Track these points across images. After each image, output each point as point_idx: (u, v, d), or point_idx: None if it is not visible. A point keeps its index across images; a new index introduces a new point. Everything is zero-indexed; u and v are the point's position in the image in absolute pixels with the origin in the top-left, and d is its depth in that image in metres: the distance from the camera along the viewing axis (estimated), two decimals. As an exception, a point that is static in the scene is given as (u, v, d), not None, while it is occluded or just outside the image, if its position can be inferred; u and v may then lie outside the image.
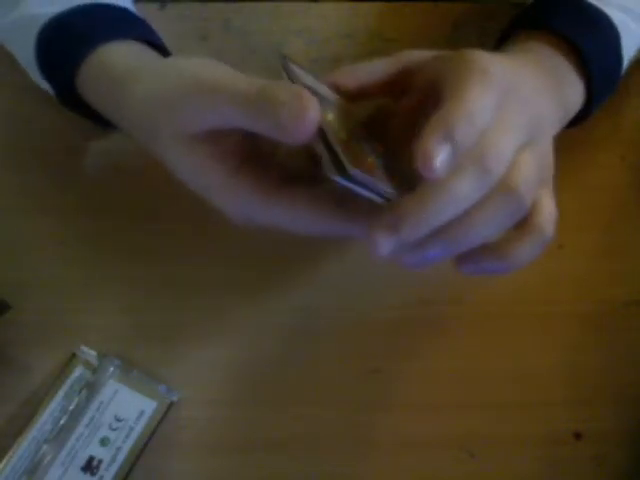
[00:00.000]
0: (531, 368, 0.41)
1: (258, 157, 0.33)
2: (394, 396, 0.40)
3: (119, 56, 0.37)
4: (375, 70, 0.35)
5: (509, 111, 0.30)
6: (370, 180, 0.28)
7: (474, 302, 0.42)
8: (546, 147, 0.33)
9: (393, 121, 0.35)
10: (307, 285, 0.42)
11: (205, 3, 0.48)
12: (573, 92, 0.39)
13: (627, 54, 0.41)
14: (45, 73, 0.39)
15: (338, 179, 0.28)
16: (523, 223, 0.31)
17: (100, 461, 0.37)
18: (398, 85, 0.35)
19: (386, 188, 0.29)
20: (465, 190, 0.28)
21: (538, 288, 0.42)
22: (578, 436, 0.40)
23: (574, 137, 0.43)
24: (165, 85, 0.32)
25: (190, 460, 0.39)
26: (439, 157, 0.27)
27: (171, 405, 0.39)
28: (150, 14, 0.46)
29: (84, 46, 0.37)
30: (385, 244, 0.28)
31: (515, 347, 0.41)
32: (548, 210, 0.32)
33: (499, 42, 0.43)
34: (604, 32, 0.40)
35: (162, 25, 0.45)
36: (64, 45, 0.38)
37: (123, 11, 0.40)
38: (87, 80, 0.38)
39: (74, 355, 0.39)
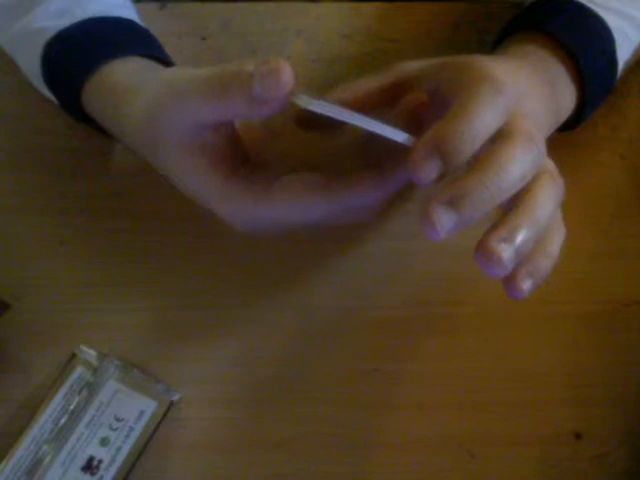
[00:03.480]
0: (531, 368, 0.41)
1: (248, 162, 0.34)
2: (394, 396, 0.40)
3: (121, 75, 0.37)
4: (369, 84, 0.36)
5: (526, 106, 0.31)
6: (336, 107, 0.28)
7: (474, 302, 0.42)
8: None
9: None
10: (307, 284, 0.42)
11: (205, 3, 0.48)
12: (565, 98, 0.39)
13: (622, 59, 0.41)
14: (51, 87, 0.40)
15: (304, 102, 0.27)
16: None
17: (100, 461, 0.37)
18: (395, 97, 0.35)
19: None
20: (526, 166, 0.28)
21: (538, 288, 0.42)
22: (578, 436, 0.40)
23: (574, 137, 0.43)
24: (150, 99, 0.33)
25: (190, 460, 0.39)
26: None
27: (171, 405, 0.39)
28: (150, 14, 0.46)
29: (88, 65, 0.37)
30: (447, 220, 0.28)
31: (515, 347, 0.41)
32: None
33: (495, 44, 0.43)
34: (599, 37, 0.40)
35: (162, 25, 0.46)
36: (69, 63, 0.38)
37: (128, 24, 0.40)
38: (91, 98, 0.38)
39: (74, 355, 0.39)
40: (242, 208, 0.33)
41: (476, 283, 0.42)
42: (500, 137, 0.29)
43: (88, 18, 0.39)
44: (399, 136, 0.29)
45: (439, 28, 0.48)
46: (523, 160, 0.28)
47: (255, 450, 0.39)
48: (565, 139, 0.42)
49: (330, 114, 0.29)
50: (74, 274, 0.42)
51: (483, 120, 0.28)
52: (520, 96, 0.31)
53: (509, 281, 0.30)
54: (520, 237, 0.29)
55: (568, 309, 0.42)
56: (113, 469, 0.37)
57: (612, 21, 0.40)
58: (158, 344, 0.40)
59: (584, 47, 0.38)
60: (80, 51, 0.38)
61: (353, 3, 0.49)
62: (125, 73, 0.37)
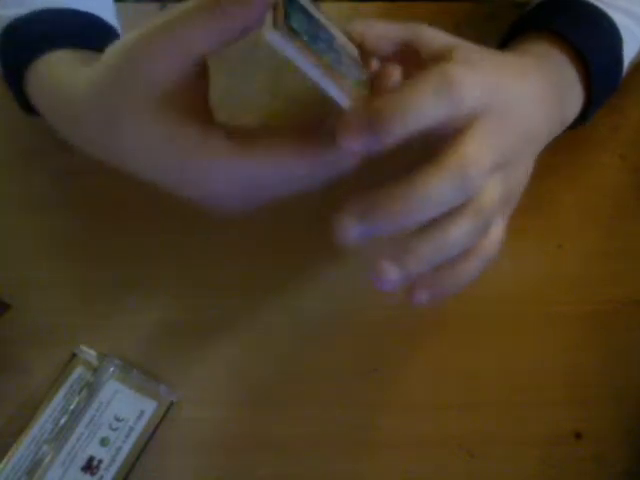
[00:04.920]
0: (531, 368, 0.41)
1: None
2: (394, 396, 0.40)
3: (62, 63, 0.35)
4: (388, 31, 0.35)
5: (489, 130, 0.30)
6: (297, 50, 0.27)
7: (474, 302, 0.42)
8: (519, 172, 0.33)
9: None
10: (307, 285, 0.42)
11: (205, 3, 0.48)
12: (572, 101, 0.39)
13: (628, 57, 0.41)
14: (7, 83, 0.38)
15: (268, 35, 0.26)
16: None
17: (100, 461, 0.37)
18: (403, 57, 0.35)
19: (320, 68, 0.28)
20: (444, 193, 0.28)
21: (538, 288, 0.42)
22: (578, 436, 0.40)
23: (574, 137, 0.43)
24: (113, 58, 0.30)
25: (190, 460, 0.39)
26: None
27: (171, 405, 0.39)
28: (150, 14, 0.46)
29: (29, 54, 0.35)
30: (354, 230, 0.28)
31: (515, 347, 0.41)
32: (496, 234, 0.32)
33: (503, 42, 0.43)
34: (606, 35, 0.39)
35: (162, 25, 0.45)
36: (14, 52, 0.37)
37: (88, 18, 0.38)
38: (33, 89, 0.36)
39: (74, 355, 0.39)
40: (226, 163, 0.29)
41: (476, 283, 0.42)
42: (432, 159, 0.28)
43: (45, 9, 0.37)
44: (341, 99, 0.28)
45: (439, 28, 0.48)
46: (442, 189, 0.28)
47: (255, 450, 0.39)
48: (565, 139, 0.42)
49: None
50: (74, 274, 0.42)
51: (423, 104, 0.27)
52: (508, 101, 0.31)
53: (409, 287, 0.31)
54: (413, 265, 0.29)
55: (568, 309, 0.42)
56: (113, 469, 0.37)
57: (619, 19, 0.40)
58: (158, 344, 0.40)
59: (591, 43, 0.38)
60: (24, 41, 0.36)
61: (353, 3, 0.49)
62: (67, 62, 0.35)
